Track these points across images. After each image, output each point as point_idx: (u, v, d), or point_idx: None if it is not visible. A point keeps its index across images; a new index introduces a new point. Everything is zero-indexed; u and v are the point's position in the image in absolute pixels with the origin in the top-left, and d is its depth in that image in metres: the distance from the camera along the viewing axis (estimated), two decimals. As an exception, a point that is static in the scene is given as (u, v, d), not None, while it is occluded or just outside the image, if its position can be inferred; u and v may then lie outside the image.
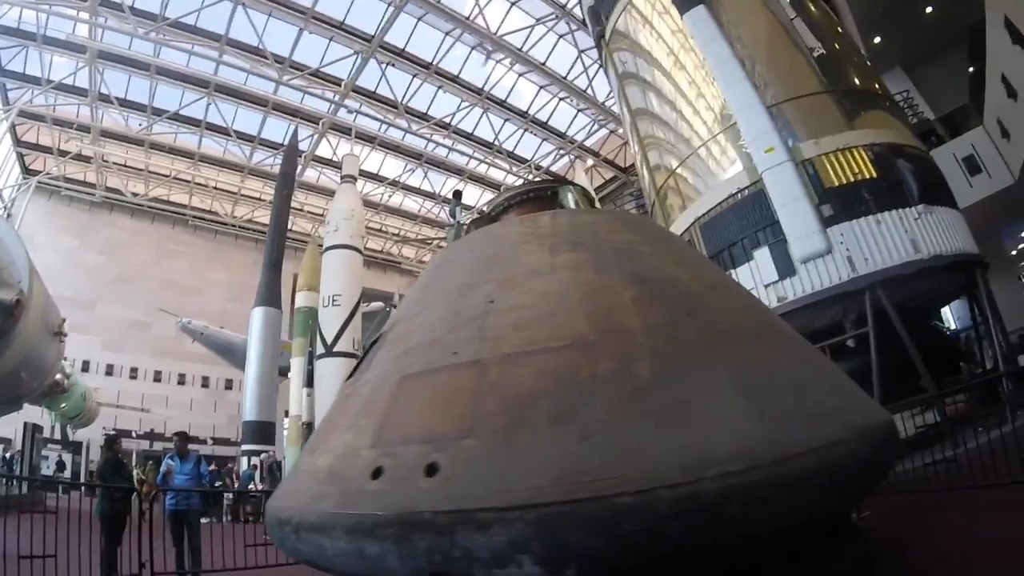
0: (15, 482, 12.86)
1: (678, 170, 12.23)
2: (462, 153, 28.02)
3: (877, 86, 11.03)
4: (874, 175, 8.89)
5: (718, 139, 11.24)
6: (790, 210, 9.42)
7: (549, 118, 26.74)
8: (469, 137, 27.27)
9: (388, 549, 2.11)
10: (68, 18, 18.38)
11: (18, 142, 25.17)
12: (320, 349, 14.78)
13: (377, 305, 24.43)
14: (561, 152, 28.46)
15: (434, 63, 22.86)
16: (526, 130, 27.14)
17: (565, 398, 2.29)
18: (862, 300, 8.65)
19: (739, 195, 10.51)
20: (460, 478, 2.12)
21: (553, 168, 29.88)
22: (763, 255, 9.97)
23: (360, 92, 23.65)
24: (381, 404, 2.79)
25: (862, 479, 2.45)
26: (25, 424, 13.65)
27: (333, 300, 15.01)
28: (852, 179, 8.97)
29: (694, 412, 2.22)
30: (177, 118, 24.11)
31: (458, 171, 29.65)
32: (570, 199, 5.15)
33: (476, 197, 31.38)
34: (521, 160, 28.86)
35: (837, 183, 9.09)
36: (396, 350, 3.23)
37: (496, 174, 29.76)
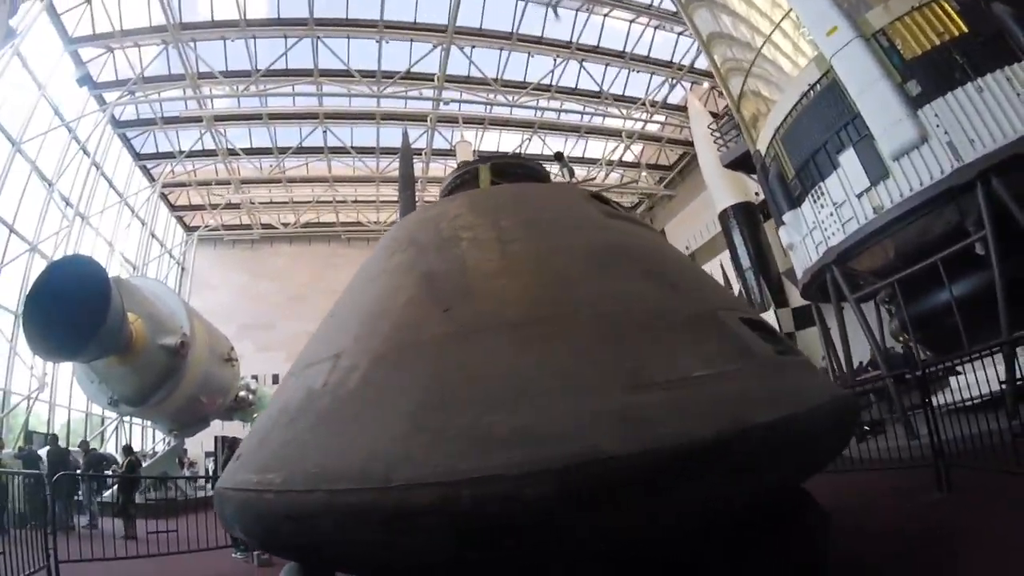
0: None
1: (748, 82, 10.58)
2: (571, 111, 27.13)
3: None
4: (964, 30, 6.72)
5: (781, 33, 9.46)
6: (869, 97, 7.61)
7: (649, 50, 24.57)
8: (574, 92, 26.28)
9: None
10: (176, 99, 21.63)
11: (172, 207, 30.06)
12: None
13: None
14: (672, 81, 26.04)
15: (514, 31, 22.34)
16: (630, 69, 25.31)
17: (309, 402, 2.73)
18: (977, 195, 6.71)
19: (811, 93, 8.78)
20: (272, 459, 2.69)
21: (671, 100, 27.50)
22: (849, 159, 8.20)
23: (455, 80, 24.03)
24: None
25: (552, 524, 1.85)
26: (215, 438, 16.70)
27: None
28: (937, 41, 6.89)
29: (360, 424, 2.36)
30: (301, 150, 26.69)
31: (574, 128, 28.72)
32: (480, 177, 5.06)
33: (601, 149, 30.29)
34: (633, 100, 27.04)
35: (920, 51, 7.07)
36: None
37: (613, 123, 28.32)
